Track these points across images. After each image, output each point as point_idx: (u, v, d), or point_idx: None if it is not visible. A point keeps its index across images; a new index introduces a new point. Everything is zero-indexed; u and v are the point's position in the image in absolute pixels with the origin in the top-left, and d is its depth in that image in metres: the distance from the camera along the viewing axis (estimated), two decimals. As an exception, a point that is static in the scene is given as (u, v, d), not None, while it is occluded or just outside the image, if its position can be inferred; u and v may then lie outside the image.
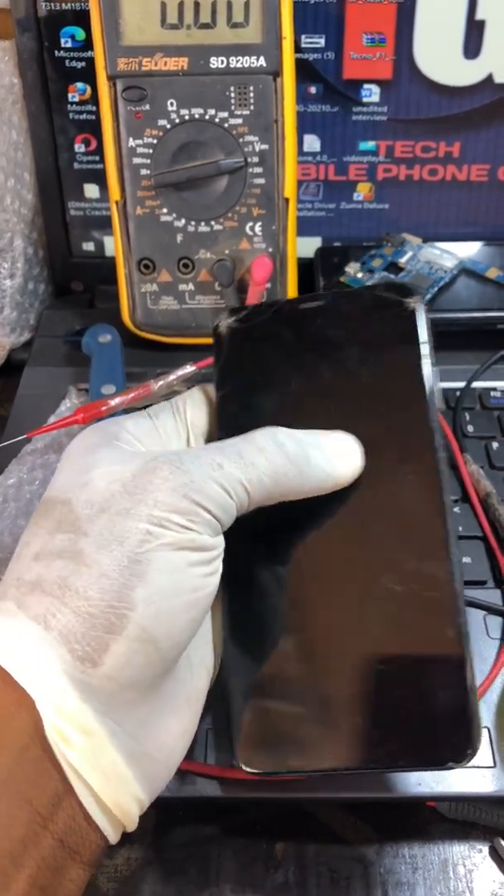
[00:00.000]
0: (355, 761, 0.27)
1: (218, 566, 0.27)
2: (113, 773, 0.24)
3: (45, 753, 0.22)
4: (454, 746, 0.26)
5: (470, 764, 0.32)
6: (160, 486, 0.25)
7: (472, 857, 0.34)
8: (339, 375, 0.32)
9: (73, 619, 0.23)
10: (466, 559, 0.40)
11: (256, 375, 0.33)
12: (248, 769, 0.28)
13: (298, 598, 0.30)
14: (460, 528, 0.41)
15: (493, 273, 0.50)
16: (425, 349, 0.32)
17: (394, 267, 0.51)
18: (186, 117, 0.43)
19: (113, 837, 0.25)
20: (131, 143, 0.44)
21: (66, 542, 0.25)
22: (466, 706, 0.27)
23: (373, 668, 0.28)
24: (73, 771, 0.23)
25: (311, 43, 0.48)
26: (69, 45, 0.48)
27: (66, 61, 0.48)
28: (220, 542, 0.27)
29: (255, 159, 0.44)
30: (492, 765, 0.33)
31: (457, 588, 0.28)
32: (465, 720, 0.27)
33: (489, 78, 0.49)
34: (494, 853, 0.34)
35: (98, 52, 0.42)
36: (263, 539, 0.30)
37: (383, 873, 0.33)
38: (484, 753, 0.33)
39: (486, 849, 0.34)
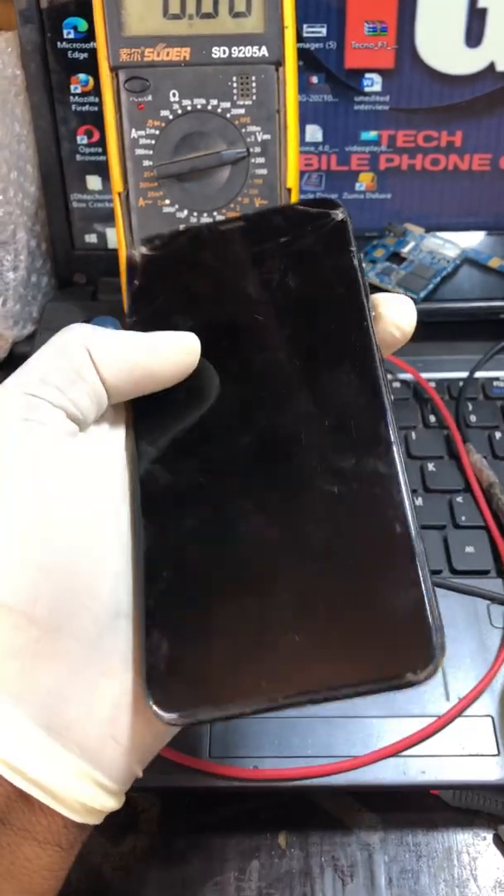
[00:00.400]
0: (297, 690, 0.22)
1: (53, 486, 0.24)
2: (31, 746, 0.22)
3: None
4: (411, 655, 0.22)
5: (474, 752, 0.32)
6: None
7: (476, 845, 0.34)
8: (266, 290, 0.29)
9: None
10: (469, 549, 0.40)
11: (174, 297, 0.30)
12: (166, 714, 0.22)
13: (222, 503, 0.26)
14: (463, 518, 0.41)
15: (495, 263, 0.50)
16: (356, 259, 0.29)
17: (396, 257, 0.51)
18: (189, 108, 0.43)
19: (70, 814, 0.22)
20: (134, 134, 0.44)
21: None
22: (421, 605, 0.23)
23: (310, 578, 0.24)
24: None
25: (312, 32, 0.48)
26: (71, 36, 0.48)
27: (69, 52, 0.48)
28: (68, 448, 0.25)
29: (258, 149, 0.44)
30: (496, 753, 0.33)
31: (402, 481, 0.25)
32: (421, 621, 0.22)
33: (491, 66, 0.49)
34: (499, 840, 0.34)
35: (100, 43, 0.42)
36: (181, 442, 0.27)
37: (388, 861, 0.34)
38: (488, 741, 0.33)
39: (490, 836, 0.34)
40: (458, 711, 0.34)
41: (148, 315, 0.29)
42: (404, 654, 0.22)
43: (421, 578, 0.23)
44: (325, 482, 0.25)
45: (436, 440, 0.45)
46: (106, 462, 0.26)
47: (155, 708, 0.22)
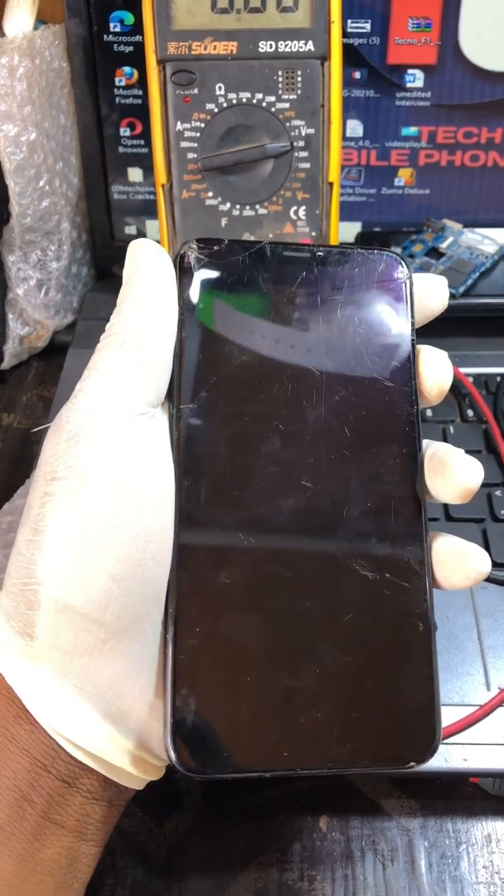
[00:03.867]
0: (311, 763, 0.25)
1: (127, 507, 0.24)
2: (91, 729, 0.24)
3: (26, 714, 0.24)
4: (417, 746, 0.25)
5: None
6: (46, 442, 0.25)
7: (514, 833, 0.34)
8: (320, 342, 0.29)
9: (7, 598, 0.24)
10: (507, 542, 0.41)
11: (225, 321, 0.28)
12: (184, 769, 0.24)
13: (258, 567, 0.26)
14: (502, 512, 0.41)
15: (534, 259, 0.51)
16: (412, 333, 0.29)
17: (434, 252, 0.51)
18: (234, 101, 0.44)
19: (122, 781, 0.25)
20: (179, 126, 0.44)
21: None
22: (432, 705, 0.26)
23: (336, 659, 0.26)
24: (49, 727, 0.24)
25: (356, 28, 0.48)
26: (118, 29, 0.48)
27: (115, 45, 0.49)
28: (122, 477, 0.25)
29: (301, 143, 0.45)
30: (537, 742, 0.33)
31: (428, 582, 0.27)
32: (430, 720, 0.26)
33: (534, 64, 0.49)
34: (536, 829, 0.35)
35: (148, 36, 0.43)
36: (220, 494, 0.27)
37: (427, 847, 0.34)
38: (529, 730, 0.33)
39: (528, 825, 0.35)
40: (499, 701, 0.34)
41: (199, 333, 0.28)
42: (412, 745, 0.25)
43: (434, 677, 0.26)
44: (361, 566, 0.27)
45: (474, 434, 0.45)
46: (168, 472, 0.26)
47: (176, 763, 0.24)
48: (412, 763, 0.25)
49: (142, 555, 0.24)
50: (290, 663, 0.26)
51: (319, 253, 0.29)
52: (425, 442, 0.28)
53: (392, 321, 0.29)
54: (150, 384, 0.26)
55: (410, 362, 0.29)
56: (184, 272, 0.28)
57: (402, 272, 0.30)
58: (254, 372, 0.28)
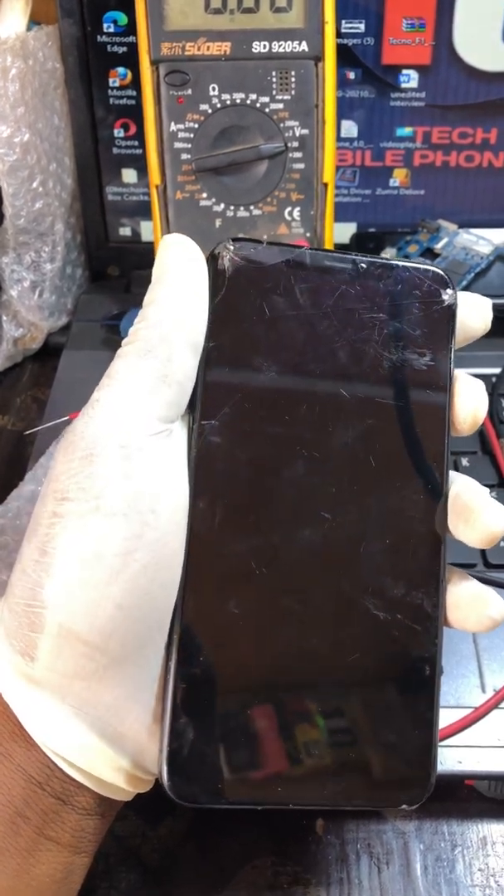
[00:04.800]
0: (305, 798, 0.25)
1: (142, 532, 0.23)
2: (87, 749, 0.24)
3: (22, 732, 0.24)
4: (411, 789, 0.26)
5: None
6: (58, 456, 0.24)
7: (510, 836, 0.34)
8: (355, 363, 0.27)
9: (9, 616, 0.24)
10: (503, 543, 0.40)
11: (260, 335, 0.26)
12: (177, 798, 0.24)
13: (265, 604, 0.26)
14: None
15: (529, 259, 0.50)
16: (451, 362, 0.27)
17: (429, 253, 0.51)
18: (228, 102, 0.44)
19: (113, 796, 0.25)
20: (173, 127, 0.44)
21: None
22: (429, 749, 0.26)
23: (338, 698, 0.25)
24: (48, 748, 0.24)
25: (350, 28, 0.48)
26: (111, 29, 0.48)
27: (108, 46, 0.48)
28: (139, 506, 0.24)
29: (296, 144, 0.45)
30: (532, 744, 0.33)
31: (439, 626, 0.26)
32: (428, 765, 0.26)
33: (529, 64, 0.49)
34: (532, 832, 0.34)
35: (142, 37, 0.43)
36: (234, 520, 0.26)
37: (423, 849, 0.34)
38: (524, 733, 0.33)
39: (524, 827, 0.35)
40: (494, 703, 0.34)
41: (229, 343, 0.26)
42: (406, 788, 0.25)
43: (434, 722, 0.25)
44: (373, 605, 0.26)
45: (470, 436, 0.45)
46: (184, 497, 0.25)
47: (169, 791, 0.24)
48: (405, 805, 0.25)
49: (151, 584, 0.24)
50: (291, 699, 0.25)
51: (362, 264, 0.27)
52: (451, 475, 0.27)
53: (432, 344, 0.27)
54: (172, 399, 0.25)
55: (446, 390, 0.27)
56: (216, 275, 0.26)
57: (447, 293, 0.27)
58: (280, 391, 0.26)
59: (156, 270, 0.26)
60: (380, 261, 0.27)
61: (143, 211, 0.54)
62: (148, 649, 0.24)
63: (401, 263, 0.28)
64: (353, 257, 0.27)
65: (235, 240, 0.26)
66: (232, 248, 0.26)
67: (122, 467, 0.23)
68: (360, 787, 0.25)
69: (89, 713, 0.23)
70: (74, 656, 0.23)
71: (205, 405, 0.26)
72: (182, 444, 0.25)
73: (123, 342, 0.25)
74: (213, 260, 0.26)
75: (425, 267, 0.28)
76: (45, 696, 0.23)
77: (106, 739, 0.24)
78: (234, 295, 0.26)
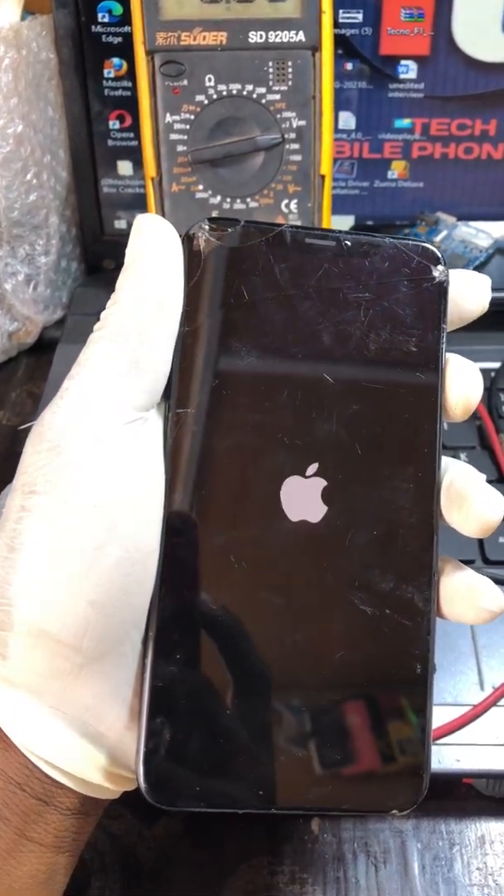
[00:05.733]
0: (288, 803, 0.24)
1: (115, 525, 0.23)
2: (67, 749, 0.23)
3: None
4: (403, 796, 0.24)
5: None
6: (26, 447, 0.23)
7: (508, 834, 0.34)
8: (340, 346, 0.26)
9: None
10: (503, 539, 0.40)
11: (239, 319, 0.25)
12: (154, 801, 0.23)
13: (246, 600, 0.24)
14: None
15: (529, 253, 0.50)
16: (443, 342, 0.26)
17: (428, 246, 0.51)
18: (224, 93, 0.43)
19: (97, 795, 0.24)
20: (168, 118, 0.44)
21: None
22: (422, 756, 0.24)
23: (324, 698, 0.24)
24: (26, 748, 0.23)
25: (348, 18, 0.48)
26: (106, 19, 0.47)
27: (103, 36, 0.48)
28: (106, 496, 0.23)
29: (293, 135, 0.44)
30: (531, 742, 0.33)
31: (432, 621, 0.25)
32: (419, 771, 0.24)
33: (528, 54, 0.48)
34: (531, 830, 0.34)
35: (137, 27, 0.42)
36: (218, 527, 0.25)
37: (420, 848, 0.34)
38: (523, 731, 0.33)
39: (522, 826, 0.34)
40: (492, 701, 0.34)
41: (205, 328, 0.25)
42: (396, 793, 0.24)
43: (427, 724, 0.24)
44: (360, 600, 0.25)
45: (468, 430, 0.44)
46: (160, 489, 0.24)
47: (146, 794, 0.23)
48: (395, 811, 0.24)
49: (125, 579, 0.23)
50: (273, 699, 0.24)
51: (346, 241, 0.26)
52: (445, 461, 0.26)
53: (422, 324, 0.26)
54: (146, 386, 0.24)
55: (437, 374, 0.26)
56: (191, 256, 0.25)
57: (438, 269, 0.26)
58: (260, 376, 0.25)
59: (129, 252, 0.25)
60: (365, 237, 0.26)
61: (139, 204, 0.53)
62: (125, 647, 0.23)
63: (388, 239, 0.26)
64: (337, 234, 0.26)
65: (211, 219, 0.25)
66: (207, 228, 0.25)
67: (93, 457, 0.23)
68: (346, 792, 0.24)
69: (67, 713, 0.23)
70: (48, 656, 0.22)
71: (180, 393, 0.24)
72: (157, 433, 0.24)
73: (95, 327, 0.24)
74: (188, 241, 0.25)
75: (414, 242, 0.26)
76: (20, 696, 0.22)
77: (86, 738, 0.23)
78: (210, 277, 0.25)
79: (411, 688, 0.24)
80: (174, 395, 0.25)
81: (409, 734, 0.24)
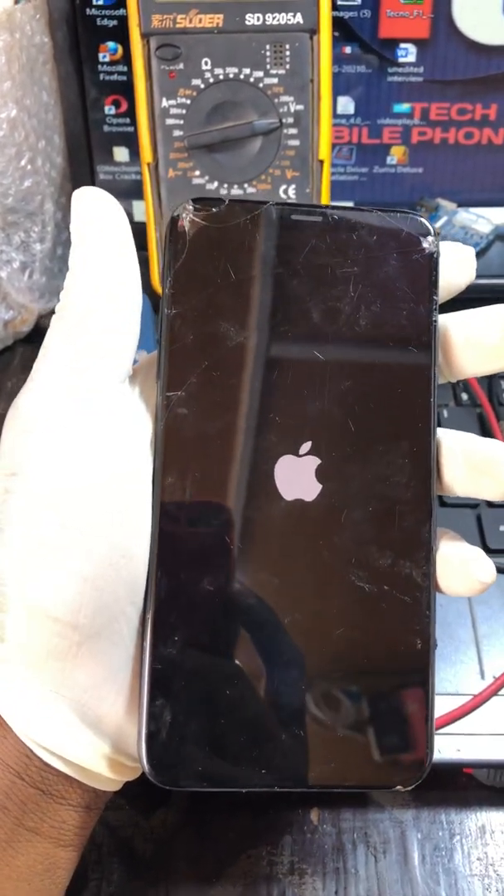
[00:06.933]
0: (290, 780, 0.24)
1: (97, 501, 0.23)
2: (68, 734, 0.23)
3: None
4: (406, 769, 0.24)
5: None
6: (4, 431, 0.24)
7: (509, 824, 0.34)
8: (330, 321, 0.25)
9: None
10: (503, 527, 0.40)
11: (227, 299, 0.25)
12: (157, 781, 0.23)
13: (243, 579, 0.24)
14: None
15: (529, 239, 0.50)
16: (435, 314, 0.26)
17: (428, 232, 0.50)
18: (221, 77, 0.43)
19: (98, 786, 0.24)
20: (164, 103, 0.43)
21: None
22: (425, 727, 0.24)
23: (325, 675, 0.24)
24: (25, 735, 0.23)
25: (347, 0, 0.47)
26: (101, 2, 0.47)
27: (98, 20, 0.47)
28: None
29: (290, 120, 0.43)
30: (532, 732, 0.33)
31: (431, 596, 0.25)
32: (423, 745, 0.24)
33: (529, 37, 0.48)
34: (532, 820, 0.34)
35: (131, 9, 0.41)
36: (208, 500, 0.25)
37: (420, 838, 0.33)
38: (524, 720, 0.33)
39: (523, 816, 0.34)
40: (493, 690, 0.33)
41: (192, 310, 0.25)
42: (400, 768, 0.24)
43: (429, 698, 0.24)
44: (358, 577, 0.25)
45: (469, 418, 0.44)
46: (140, 460, 0.25)
47: (149, 775, 0.23)
48: (399, 786, 0.24)
49: (113, 552, 0.23)
50: (273, 677, 0.24)
51: (334, 215, 0.26)
52: (440, 432, 0.26)
53: (414, 296, 0.25)
54: (113, 361, 0.24)
55: (430, 346, 0.25)
56: (177, 237, 0.25)
57: (428, 240, 0.26)
58: (251, 355, 0.25)
59: (74, 228, 0.25)
60: (353, 210, 0.26)
61: (136, 191, 0.52)
62: (120, 623, 0.23)
63: (377, 212, 0.26)
64: (324, 209, 0.26)
65: (196, 200, 0.25)
66: (192, 208, 0.25)
67: (65, 438, 0.23)
68: (349, 768, 0.24)
69: (68, 696, 0.23)
70: (45, 634, 0.22)
71: (170, 376, 0.24)
72: (133, 405, 0.25)
73: (56, 308, 0.25)
74: (172, 223, 0.25)
75: (403, 213, 0.26)
76: (20, 680, 0.23)
77: (86, 723, 0.23)
78: (196, 258, 0.25)
79: (413, 663, 0.25)
80: (164, 378, 0.25)
81: (411, 709, 0.24)
